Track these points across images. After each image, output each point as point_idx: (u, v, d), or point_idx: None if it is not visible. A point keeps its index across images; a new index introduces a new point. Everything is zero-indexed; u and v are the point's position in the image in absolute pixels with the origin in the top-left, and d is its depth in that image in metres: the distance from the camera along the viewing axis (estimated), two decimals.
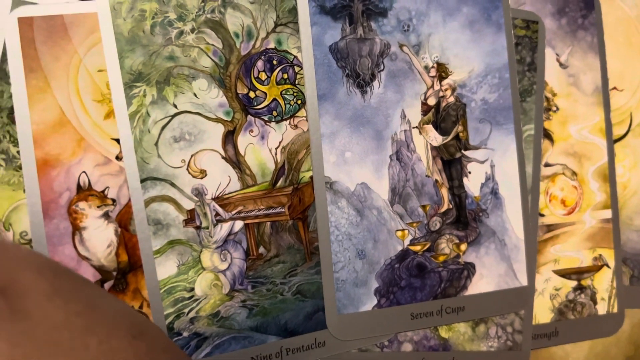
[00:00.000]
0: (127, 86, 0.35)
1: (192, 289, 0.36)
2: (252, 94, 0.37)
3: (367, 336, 0.38)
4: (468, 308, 0.40)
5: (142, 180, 0.35)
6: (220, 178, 0.37)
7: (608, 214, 0.43)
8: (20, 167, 0.35)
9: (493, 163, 0.41)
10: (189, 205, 0.36)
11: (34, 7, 0.35)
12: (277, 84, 0.38)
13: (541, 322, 0.42)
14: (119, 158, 0.36)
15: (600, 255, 0.43)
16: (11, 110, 0.35)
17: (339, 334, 0.38)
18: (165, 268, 0.36)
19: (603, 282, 0.43)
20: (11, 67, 0.34)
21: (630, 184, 0.44)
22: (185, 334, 0.36)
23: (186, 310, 0.36)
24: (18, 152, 0.35)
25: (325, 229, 0.38)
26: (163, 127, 0.36)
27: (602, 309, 0.43)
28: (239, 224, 0.37)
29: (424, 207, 0.40)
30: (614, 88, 0.44)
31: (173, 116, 0.36)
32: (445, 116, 0.40)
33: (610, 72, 0.43)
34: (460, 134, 0.40)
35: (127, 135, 0.35)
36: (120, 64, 0.35)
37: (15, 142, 0.35)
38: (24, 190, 0.34)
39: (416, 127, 0.40)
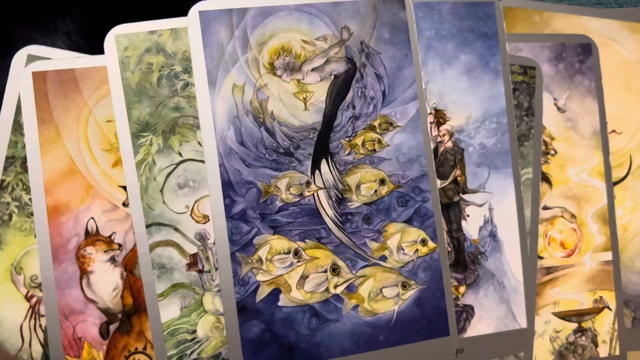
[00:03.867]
0: (134, 136, 0.37)
1: (194, 331, 0.37)
2: None
3: None
4: (467, 350, 0.40)
5: (148, 226, 0.37)
6: None
7: (608, 256, 0.43)
8: (32, 214, 0.36)
9: (492, 206, 0.41)
10: (192, 249, 0.37)
11: (48, 62, 0.37)
12: None
13: None
14: (125, 204, 0.37)
15: (601, 297, 0.43)
16: (24, 160, 0.36)
17: None
18: (169, 311, 0.37)
19: (604, 325, 0.43)
20: (25, 119, 0.36)
21: (630, 226, 0.44)
22: None
23: (188, 352, 0.37)
24: (30, 199, 0.36)
25: None
26: (168, 175, 0.37)
27: (603, 351, 0.43)
28: None
29: None
30: (613, 131, 0.44)
31: (178, 164, 0.37)
32: (443, 161, 0.41)
33: (609, 115, 0.44)
34: (459, 178, 0.41)
35: (134, 183, 0.37)
36: (128, 115, 0.37)
37: (27, 190, 0.36)
38: (35, 236, 0.36)
39: None
